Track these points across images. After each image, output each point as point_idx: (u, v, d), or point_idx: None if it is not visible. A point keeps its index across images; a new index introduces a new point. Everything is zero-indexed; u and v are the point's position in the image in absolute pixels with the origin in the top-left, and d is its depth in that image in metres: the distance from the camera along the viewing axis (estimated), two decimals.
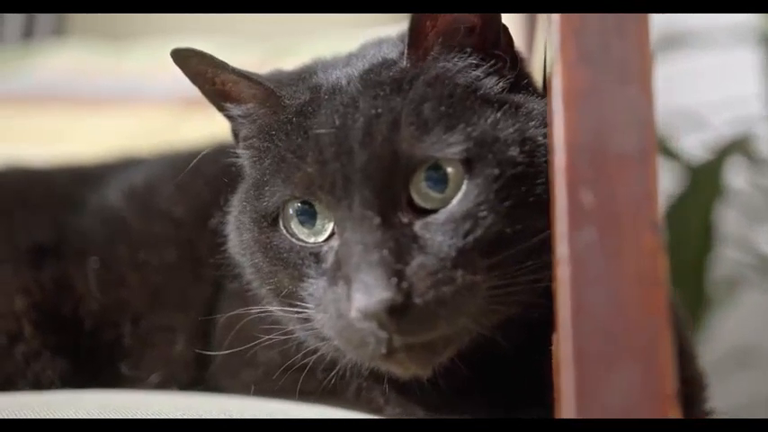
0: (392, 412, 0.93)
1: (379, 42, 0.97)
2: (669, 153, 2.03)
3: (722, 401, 1.99)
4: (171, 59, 0.91)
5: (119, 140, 1.72)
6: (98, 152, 1.46)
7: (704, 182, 1.91)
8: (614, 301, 0.64)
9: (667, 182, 2.00)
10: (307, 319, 0.86)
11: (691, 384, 1.00)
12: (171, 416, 0.85)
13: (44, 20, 2.37)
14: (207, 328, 1.03)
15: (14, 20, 2.36)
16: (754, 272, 2.11)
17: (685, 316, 1.06)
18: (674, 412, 0.62)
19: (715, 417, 1.05)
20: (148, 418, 0.84)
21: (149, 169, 1.21)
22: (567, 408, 0.63)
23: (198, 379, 1.03)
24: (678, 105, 2.11)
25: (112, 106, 1.94)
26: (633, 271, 0.64)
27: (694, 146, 2.02)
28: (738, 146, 1.95)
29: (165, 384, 1.04)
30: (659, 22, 2.10)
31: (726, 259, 2.09)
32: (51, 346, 1.06)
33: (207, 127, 1.15)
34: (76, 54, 2.08)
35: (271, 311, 0.92)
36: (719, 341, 2.12)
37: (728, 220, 2.10)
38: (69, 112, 1.94)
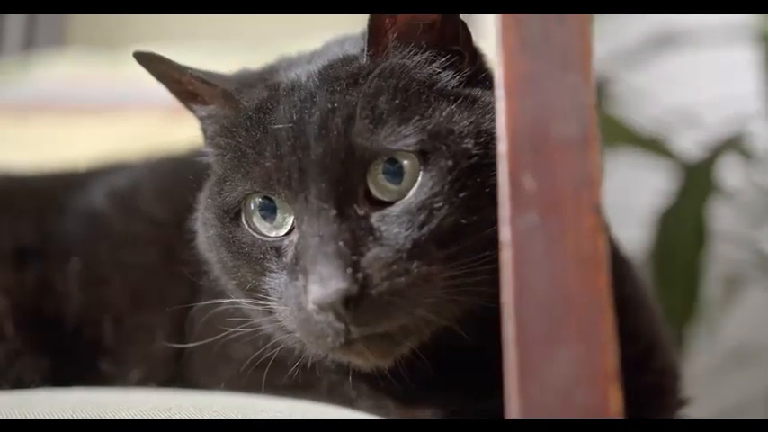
0: (364, 404, 0.94)
1: (343, 40, 0.98)
2: (664, 152, 2.04)
3: (723, 400, 2.00)
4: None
5: (116, 146, 1.74)
6: (96, 158, 1.48)
7: (698, 180, 1.91)
8: (555, 282, 0.65)
9: (662, 181, 2.01)
10: (271, 312, 0.88)
11: (664, 374, 1.01)
12: (145, 413, 0.86)
13: (44, 30, 2.41)
14: (185, 325, 1.04)
15: (15, 30, 2.40)
16: (753, 270, 2.11)
17: (659, 309, 1.06)
18: (615, 390, 0.63)
19: (691, 407, 1.05)
20: (121, 417, 0.86)
21: (132, 173, 1.24)
22: (510, 387, 0.64)
23: (177, 375, 1.05)
24: (673, 104, 2.12)
25: (110, 113, 1.97)
26: (574, 253, 0.65)
27: (690, 144, 2.02)
28: (733, 144, 1.96)
29: (145, 381, 1.06)
30: (654, 21, 2.12)
31: (725, 258, 2.09)
32: (33, 345, 1.08)
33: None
34: (75, 63, 2.12)
35: (238, 305, 0.93)
36: (719, 340, 2.12)
37: (727, 218, 2.10)
38: (68, 120, 1.97)
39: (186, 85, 0.95)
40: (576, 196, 0.66)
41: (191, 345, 0.98)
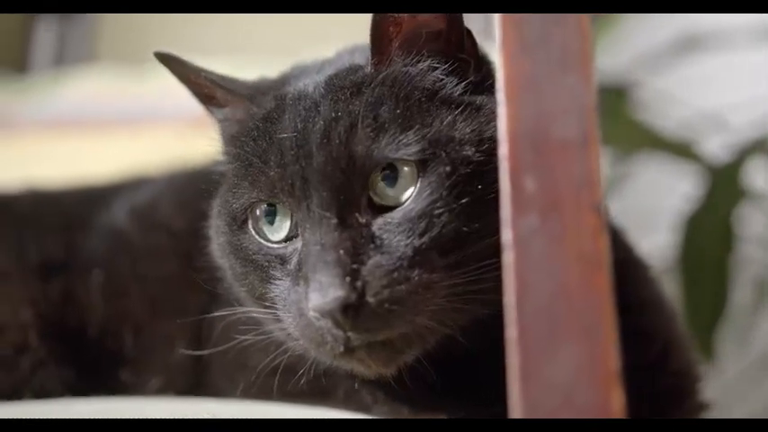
0: (380, 411, 0.95)
1: (354, 49, 0.99)
2: (691, 155, 2.03)
3: (753, 405, 1.97)
4: None
5: (145, 159, 1.76)
6: (124, 171, 1.50)
7: (725, 183, 1.90)
8: (557, 282, 0.65)
9: (690, 185, 1.99)
10: (279, 320, 0.89)
11: (682, 376, 1.00)
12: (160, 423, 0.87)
13: (74, 46, 2.45)
14: (203, 335, 1.05)
15: (46, 46, 2.44)
16: None
17: (676, 311, 1.06)
18: (617, 390, 0.63)
19: (719, 413, 1.04)
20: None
21: (152, 188, 1.26)
22: (512, 388, 0.64)
23: (196, 384, 1.06)
24: (700, 107, 2.11)
25: (139, 127, 1.99)
26: (575, 253, 0.66)
27: (717, 148, 2.01)
28: (760, 146, 1.94)
29: (164, 390, 1.07)
30: (679, 25, 2.11)
31: (756, 261, 2.07)
32: (56, 355, 1.10)
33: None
34: (104, 79, 2.15)
35: (251, 312, 0.94)
36: (750, 344, 2.10)
37: (758, 221, 2.09)
38: (98, 135, 2.00)
39: (203, 87, 0.98)
40: (577, 197, 0.66)
41: (205, 352, 1.00)
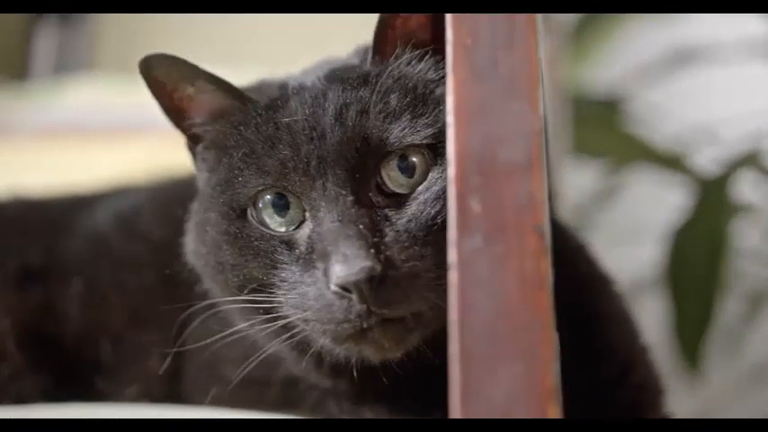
0: None
1: (333, 60, 1.01)
2: (681, 168, 2.05)
3: (746, 415, 1.98)
4: None
5: (142, 168, 1.78)
6: (117, 181, 1.52)
7: (714, 196, 1.91)
8: (498, 302, 0.67)
9: (680, 197, 2.01)
10: (269, 312, 0.89)
11: (643, 389, 1.02)
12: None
13: (74, 55, 2.47)
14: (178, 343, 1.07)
15: (45, 54, 2.46)
16: None
17: (638, 325, 1.07)
18: (554, 407, 0.65)
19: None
20: None
21: (136, 196, 1.27)
22: (453, 404, 0.67)
23: (171, 393, 1.08)
24: (691, 120, 2.13)
25: (139, 136, 2.00)
26: (517, 274, 0.68)
27: (708, 161, 2.02)
28: (750, 160, 1.96)
29: (140, 398, 1.09)
30: (670, 38, 2.12)
31: (749, 274, 2.09)
32: (33, 363, 1.11)
33: None
34: (104, 87, 2.17)
35: (224, 313, 0.96)
36: (742, 357, 2.11)
37: (753, 235, 2.10)
38: (97, 144, 2.01)
39: (186, 94, 0.95)
40: (520, 219, 0.68)
41: (173, 350, 1.01)
